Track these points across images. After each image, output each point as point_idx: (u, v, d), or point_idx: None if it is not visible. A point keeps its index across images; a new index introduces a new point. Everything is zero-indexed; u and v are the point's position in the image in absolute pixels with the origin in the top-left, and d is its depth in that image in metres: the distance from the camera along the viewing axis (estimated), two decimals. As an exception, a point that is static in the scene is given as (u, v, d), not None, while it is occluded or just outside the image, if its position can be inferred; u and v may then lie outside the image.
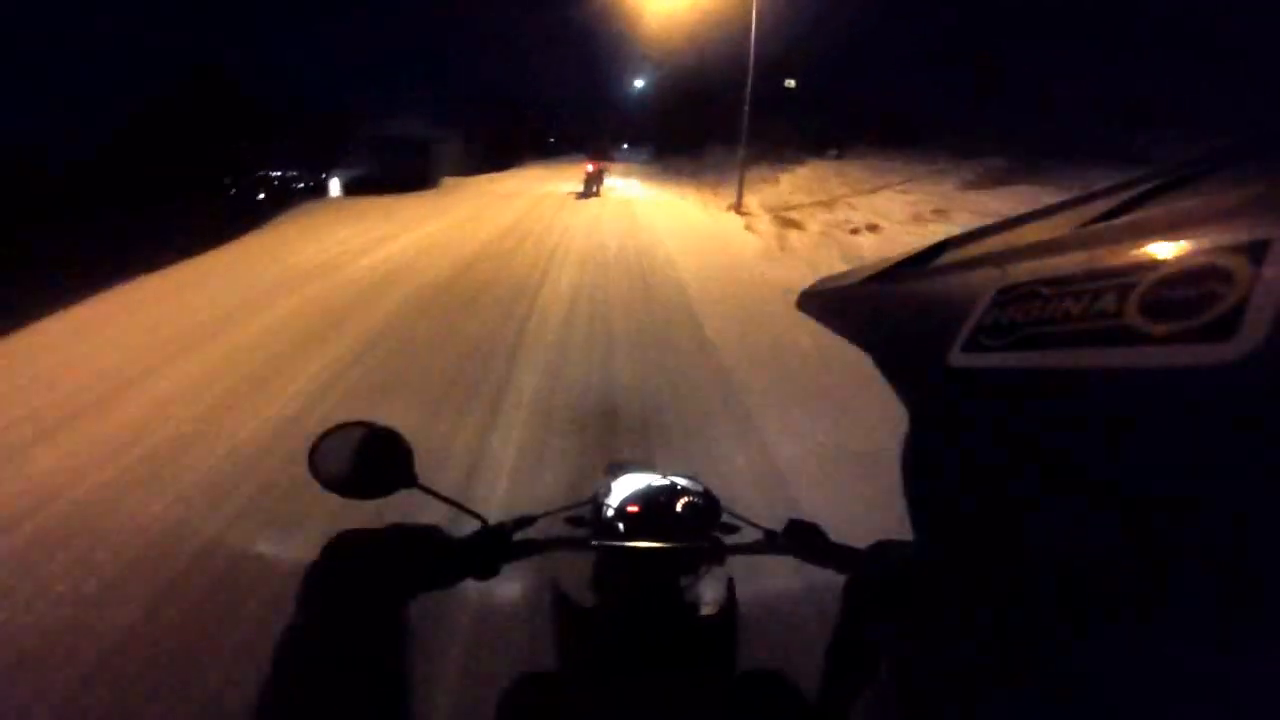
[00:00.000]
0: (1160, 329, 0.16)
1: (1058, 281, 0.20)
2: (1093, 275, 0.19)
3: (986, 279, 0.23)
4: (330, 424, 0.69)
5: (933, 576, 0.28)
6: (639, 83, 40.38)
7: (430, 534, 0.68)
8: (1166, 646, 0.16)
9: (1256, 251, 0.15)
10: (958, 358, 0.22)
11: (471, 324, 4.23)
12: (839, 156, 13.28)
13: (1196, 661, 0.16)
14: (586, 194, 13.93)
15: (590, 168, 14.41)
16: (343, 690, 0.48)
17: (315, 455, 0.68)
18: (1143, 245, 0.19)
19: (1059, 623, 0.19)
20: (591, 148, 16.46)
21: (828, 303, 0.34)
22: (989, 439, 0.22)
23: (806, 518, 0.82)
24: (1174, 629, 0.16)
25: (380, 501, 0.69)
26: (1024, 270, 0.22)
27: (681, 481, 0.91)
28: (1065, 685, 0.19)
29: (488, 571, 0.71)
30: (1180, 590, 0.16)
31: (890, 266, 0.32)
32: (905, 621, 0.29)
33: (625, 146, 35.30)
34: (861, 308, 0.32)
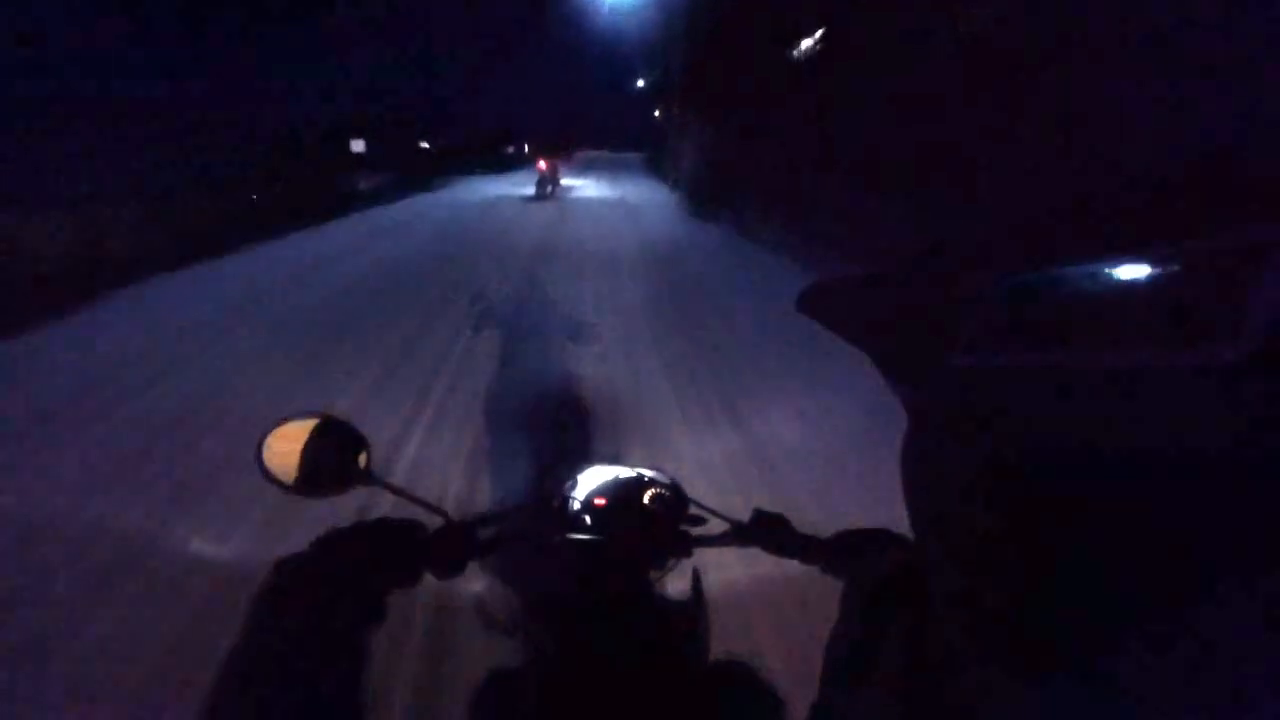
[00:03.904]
0: (1160, 330, 0.17)
1: (1058, 282, 0.20)
2: (1093, 276, 0.19)
3: (986, 280, 0.23)
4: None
5: (934, 575, 0.28)
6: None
7: (401, 530, 0.66)
8: (1179, 647, 0.16)
9: (1256, 253, 0.15)
10: (958, 358, 0.22)
11: None
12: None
13: (1204, 662, 0.16)
14: (540, 196, 12.45)
15: (542, 164, 12.93)
16: (311, 690, 0.47)
17: (262, 451, 0.64)
18: (1142, 246, 0.19)
19: (1065, 622, 0.19)
20: (543, 150, 14.19)
21: (827, 303, 0.34)
22: (990, 438, 0.22)
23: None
24: (1183, 628, 0.16)
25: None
26: (1024, 271, 0.22)
27: (649, 474, 0.90)
28: (1071, 686, 0.19)
29: (453, 569, 0.69)
30: (1187, 590, 0.17)
31: (890, 268, 0.32)
32: (906, 621, 0.30)
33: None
34: (861, 308, 0.32)
